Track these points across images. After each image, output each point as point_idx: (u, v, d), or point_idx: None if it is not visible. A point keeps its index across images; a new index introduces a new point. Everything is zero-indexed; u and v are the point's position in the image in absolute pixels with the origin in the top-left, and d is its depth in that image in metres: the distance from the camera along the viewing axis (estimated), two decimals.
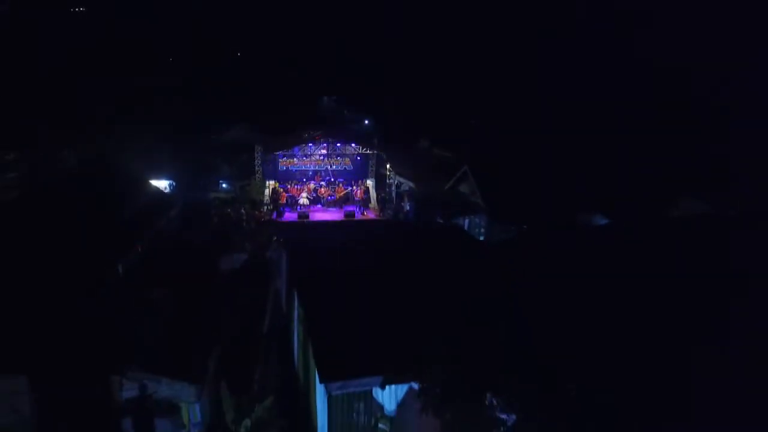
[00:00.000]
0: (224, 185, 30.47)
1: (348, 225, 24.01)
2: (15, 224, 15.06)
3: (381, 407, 11.41)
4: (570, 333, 9.97)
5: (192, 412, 12.31)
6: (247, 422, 10.36)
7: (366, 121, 44.24)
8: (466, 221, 24.42)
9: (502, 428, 9.14)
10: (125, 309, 12.83)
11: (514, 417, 9.08)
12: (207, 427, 12.00)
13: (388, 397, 11.08)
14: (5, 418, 11.05)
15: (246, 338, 14.61)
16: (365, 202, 29.03)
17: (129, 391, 11.85)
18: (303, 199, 28.01)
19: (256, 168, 29.16)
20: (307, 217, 26.35)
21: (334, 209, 28.08)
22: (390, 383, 10.60)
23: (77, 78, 37.99)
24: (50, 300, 12.34)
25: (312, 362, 11.92)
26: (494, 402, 9.03)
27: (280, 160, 29.10)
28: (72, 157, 25.72)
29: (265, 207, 27.02)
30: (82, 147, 28.94)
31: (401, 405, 11.68)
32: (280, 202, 27.69)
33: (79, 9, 57.65)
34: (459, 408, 9.31)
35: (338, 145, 29.64)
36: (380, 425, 11.64)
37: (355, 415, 11.60)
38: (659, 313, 10.52)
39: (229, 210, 26.14)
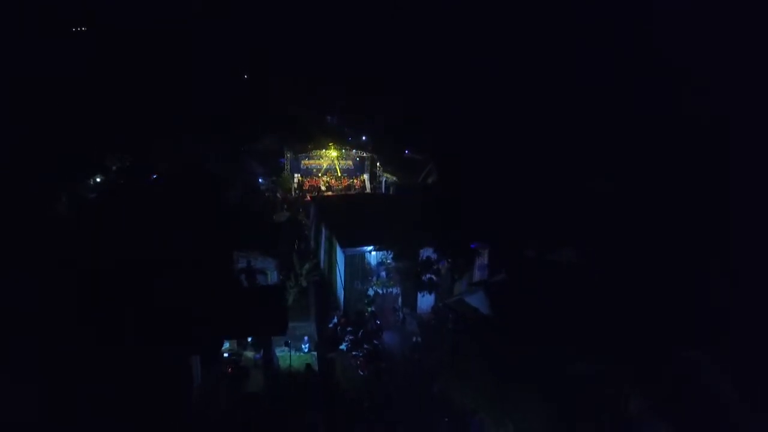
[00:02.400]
0: (261, 180, 42.15)
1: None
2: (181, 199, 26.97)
3: (373, 266, 23.01)
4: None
5: (272, 275, 23.88)
6: (307, 266, 22.01)
7: (363, 138, 56.14)
8: None
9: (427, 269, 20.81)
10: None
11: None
12: (281, 280, 23.44)
13: (373, 258, 22.73)
14: None
15: (294, 247, 26.25)
16: (362, 191, 40.71)
17: (241, 262, 23.41)
18: (323, 186, 39.68)
19: (285, 166, 40.96)
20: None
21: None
22: (374, 251, 22.29)
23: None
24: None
25: (336, 247, 23.58)
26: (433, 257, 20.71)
27: (303, 160, 40.93)
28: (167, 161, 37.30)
29: (293, 191, 38.75)
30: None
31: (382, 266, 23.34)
32: (304, 188, 39.39)
33: (81, 29, 62.57)
34: (406, 255, 21.01)
35: (343, 150, 41.57)
36: (369, 291, 23.17)
37: (355, 289, 23.14)
38: None
39: (268, 194, 37.94)
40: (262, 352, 17.45)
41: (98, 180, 39.93)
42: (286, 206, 35.16)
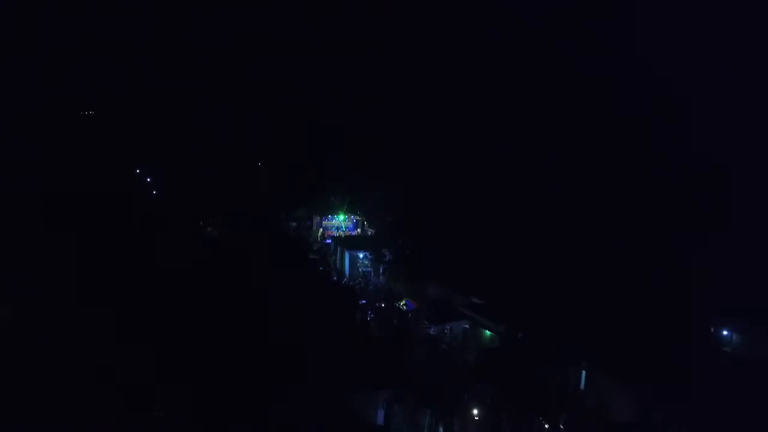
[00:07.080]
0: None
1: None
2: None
3: (361, 260, 53.65)
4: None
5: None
6: (332, 259, 52.89)
7: (358, 212, 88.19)
8: None
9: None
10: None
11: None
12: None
13: (361, 257, 53.47)
14: None
15: (325, 258, 57.16)
16: None
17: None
18: (338, 235, 70.68)
19: (313, 225, 72.35)
20: None
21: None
22: (362, 252, 53.26)
23: None
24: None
25: (345, 252, 54.55)
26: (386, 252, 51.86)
27: (324, 222, 72.29)
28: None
29: (319, 238, 69.79)
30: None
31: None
32: (325, 236, 70.32)
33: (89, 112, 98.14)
34: (375, 252, 52.18)
35: (346, 216, 73.22)
36: (360, 270, 53.96)
37: (354, 270, 54.03)
38: None
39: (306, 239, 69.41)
40: None
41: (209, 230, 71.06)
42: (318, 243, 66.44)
